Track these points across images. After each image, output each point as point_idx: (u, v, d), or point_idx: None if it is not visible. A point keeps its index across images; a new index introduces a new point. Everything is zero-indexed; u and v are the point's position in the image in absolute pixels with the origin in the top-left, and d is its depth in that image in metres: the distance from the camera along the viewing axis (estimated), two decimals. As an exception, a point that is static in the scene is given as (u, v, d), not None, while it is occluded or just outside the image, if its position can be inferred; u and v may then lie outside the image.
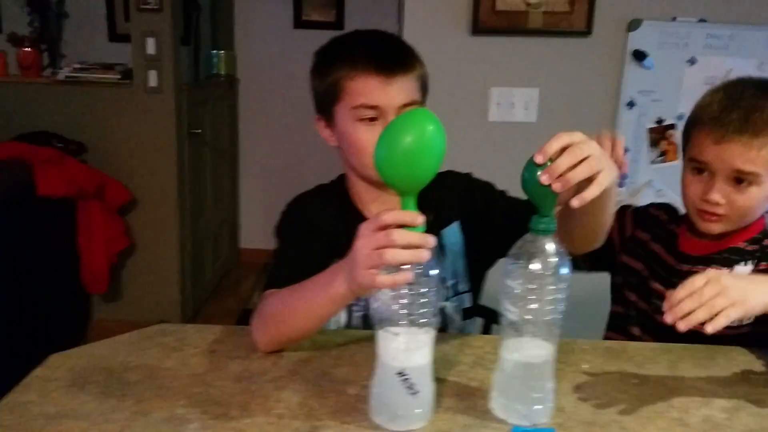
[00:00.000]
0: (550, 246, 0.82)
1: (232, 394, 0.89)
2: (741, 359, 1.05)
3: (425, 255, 0.79)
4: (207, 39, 3.89)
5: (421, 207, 0.84)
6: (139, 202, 3.09)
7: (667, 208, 1.34)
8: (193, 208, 3.30)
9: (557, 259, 0.81)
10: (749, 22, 2.29)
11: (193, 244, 3.33)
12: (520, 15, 2.30)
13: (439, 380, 0.92)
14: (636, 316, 1.25)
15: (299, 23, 4.09)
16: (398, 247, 0.78)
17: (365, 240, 0.82)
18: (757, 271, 1.17)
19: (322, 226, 1.14)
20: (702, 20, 2.29)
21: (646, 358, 1.04)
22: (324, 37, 3.76)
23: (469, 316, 1.24)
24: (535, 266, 0.81)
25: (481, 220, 1.19)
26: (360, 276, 0.82)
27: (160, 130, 3.03)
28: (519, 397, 0.85)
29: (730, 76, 2.37)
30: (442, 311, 1.20)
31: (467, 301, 1.24)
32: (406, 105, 1.08)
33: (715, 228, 1.15)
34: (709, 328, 0.85)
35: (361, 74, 1.07)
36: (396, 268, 0.80)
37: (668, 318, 0.87)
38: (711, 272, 0.90)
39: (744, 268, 1.17)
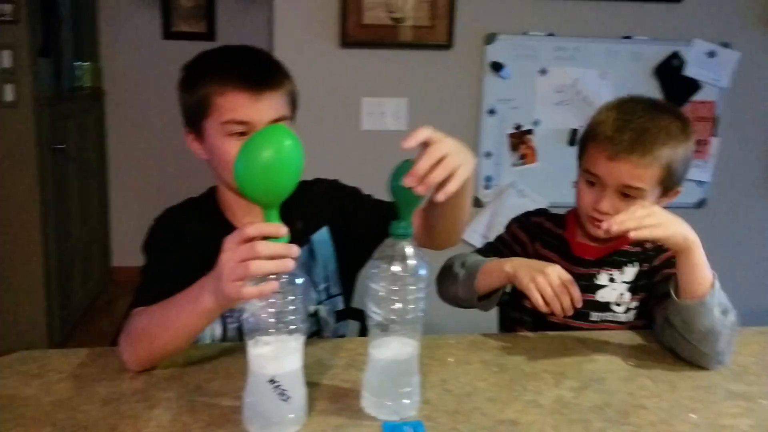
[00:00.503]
0: (409, 249, 0.87)
1: (100, 417, 0.87)
2: (589, 344, 1.16)
3: (290, 264, 0.82)
4: (70, 50, 3.70)
5: (289, 215, 0.87)
6: (-2, 223, 2.89)
7: (545, 214, 1.44)
8: (58, 227, 3.13)
9: (416, 261, 0.87)
10: (593, 35, 2.51)
11: (60, 264, 3.15)
12: (386, 29, 2.38)
13: (313, 384, 0.95)
14: (532, 321, 1.32)
15: (168, 34, 4.00)
16: (263, 258, 0.81)
17: (230, 253, 0.84)
18: (641, 271, 1.29)
19: (192, 239, 1.14)
20: (550, 34, 2.48)
21: (506, 347, 1.12)
22: (195, 48, 3.70)
23: (343, 318, 1.28)
24: (396, 269, 0.86)
25: (349, 223, 1.24)
26: (227, 288, 0.84)
27: (19, 147, 2.85)
28: (388, 393, 0.90)
29: (577, 85, 2.60)
30: (315, 315, 1.23)
31: (340, 303, 1.28)
32: (275, 120, 1.10)
33: (600, 234, 1.24)
34: (633, 234, 1.00)
35: (230, 90, 1.08)
36: (262, 278, 0.82)
37: (604, 225, 1.02)
38: (646, 203, 1.05)
39: (631, 269, 1.30)
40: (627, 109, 1.23)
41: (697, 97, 2.65)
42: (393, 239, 0.88)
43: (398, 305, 0.87)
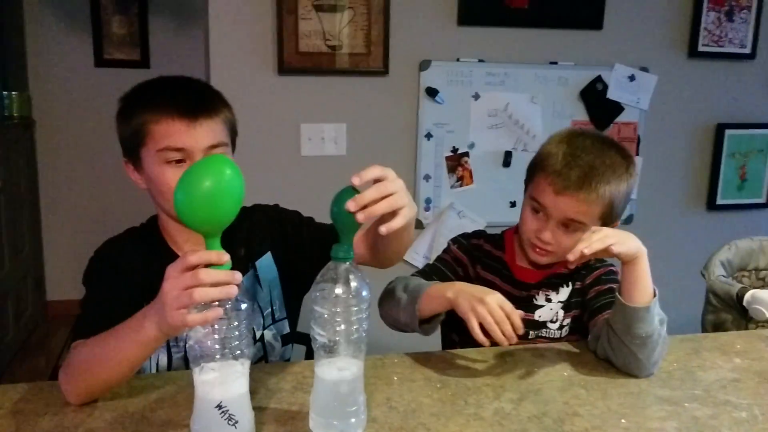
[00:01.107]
0: (351, 272, 0.90)
1: (45, 452, 0.86)
2: (527, 358, 1.21)
3: (233, 291, 0.83)
4: (-6, 79, 3.61)
5: (231, 242, 0.89)
6: None
7: (483, 235, 1.48)
8: (-13, 262, 3.02)
9: (357, 283, 0.90)
10: (521, 61, 2.62)
11: (-11, 302, 3.04)
12: (322, 56, 2.43)
13: (260, 408, 0.97)
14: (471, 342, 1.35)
15: (101, 62, 3.94)
16: (206, 285, 0.82)
17: (173, 281, 0.84)
18: (573, 290, 1.36)
19: (134, 269, 1.14)
20: (481, 60, 2.58)
21: (448, 364, 1.16)
22: (128, 75, 3.70)
23: (288, 342, 1.30)
24: (339, 291, 0.89)
25: (292, 247, 1.26)
26: (170, 317, 0.85)
27: (-56, 180, 2.76)
28: (334, 413, 0.92)
29: (508, 109, 2.70)
30: (261, 339, 1.24)
31: (286, 327, 1.29)
32: (212, 147, 1.11)
33: (543, 260, 1.32)
34: (587, 251, 1.06)
35: (165, 117, 1.10)
36: (206, 306, 0.83)
37: (571, 257, 1.08)
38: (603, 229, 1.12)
39: (566, 289, 1.37)
40: (576, 144, 1.28)
41: (621, 118, 2.80)
42: (335, 262, 0.91)
43: (342, 327, 0.90)
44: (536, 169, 1.32)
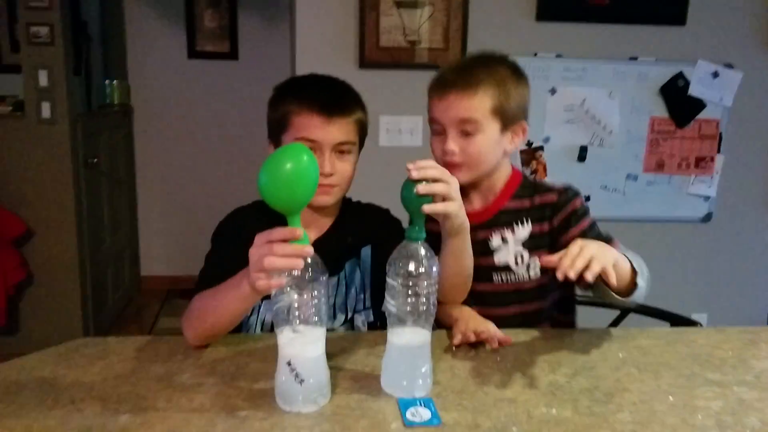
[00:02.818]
0: (422, 250, 1.01)
1: (157, 389, 1.02)
2: (584, 338, 1.28)
3: (297, 263, 0.95)
4: (99, 69, 3.90)
5: (344, 229, 1.02)
6: (36, 233, 3.07)
7: None
8: (91, 237, 3.30)
9: (427, 260, 1.01)
10: (600, 57, 2.64)
11: (93, 273, 3.32)
12: (402, 50, 2.54)
13: (337, 368, 1.09)
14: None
15: (193, 53, 4.18)
16: (277, 256, 0.95)
17: (255, 249, 0.99)
18: (539, 231, 1.36)
19: (252, 237, 1.29)
20: (559, 55, 2.62)
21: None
22: (218, 66, 3.95)
23: (372, 329, 1.42)
24: (410, 267, 1.00)
25: (384, 249, 1.37)
26: (251, 278, 0.99)
27: (56, 161, 3.03)
28: (404, 375, 1.03)
29: (585, 104, 2.73)
30: (351, 321, 1.37)
31: (371, 316, 1.41)
32: (341, 143, 1.26)
33: (460, 176, 1.19)
34: (589, 276, 1.03)
35: (306, 111, 1.25)
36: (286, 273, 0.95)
37: (560, 274, 1.03)
38: (579, 242, 1.08)
39: (524, 228, 1.37)
40: (460, 59, 1.32)
41: (702, 115, 2.77)
42: (407, 241, 1.02)
43: (412, 299, 1.01)
44: (428, 93, 1.33)
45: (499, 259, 1.38)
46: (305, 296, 0.97)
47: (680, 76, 2.71)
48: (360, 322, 1.39)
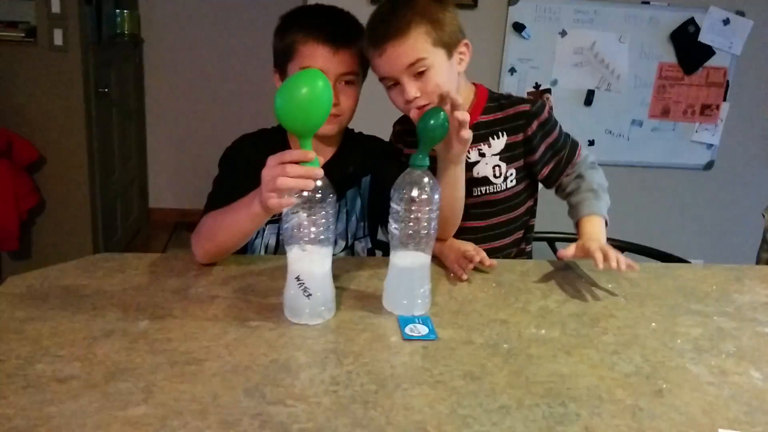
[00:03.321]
0: (425, 178, 1.07)
1: (173, 300, 1.09)
2: (578, 272, 1.34)
3: (309, 184, 1.00)
4: (109, -2, 3.88)
5: (346, 159, 1.07)
6: (48, 160, 3.12)
7: (399, 122, 1.52)
8: (102, 167, 3.35)
9: (429, 187, 1.06)
10: (611, 0, 2.63)
11: (103, 202, 3.39)
12: (414, -13, 2.52)
13: (342, 289, 1.16)
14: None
15: (205, -16, 4.14)
16: (289, 176, 1.00)
17: (268, 170, 1.04)
18: (513, 142, 1.42)
19: (258, 162, 1.33)
20: (571, -3, 2.61)
21: (504, 269, 1.32)
22: None
23: (371, 254, 1.49)
24: (414, 193, 1.06)
25: (381, 178, 1.43)
26: (263, 197, 1.05)
27: (67, 89, 3.05)
28: (404, 294, 1.10)
29: (595, 47, 2.73)
30: (352, 247, 1.43)
31: (369, 242, 1.48)
32: (345, 74, 1.29)
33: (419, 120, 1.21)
34: (623, 266, 1.21)
35: (312, 41, 1.27)
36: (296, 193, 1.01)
37: (602, 265, 1.20)
38: (594, 244, 1.25)
39: (499, 141, 1.42)
40: (376, 11, 1.30)
41: (711, 62, 2.78)
42: (412, 168, 1.07)
43: (413, 223, 1.06)
44: (366, 53, 1.33)
45: (477, 172, 1.43)
46: (314, 216, 1.02)
47: (691, 21, 2.70)
48: (360, 248, 1.45)
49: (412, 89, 1.27)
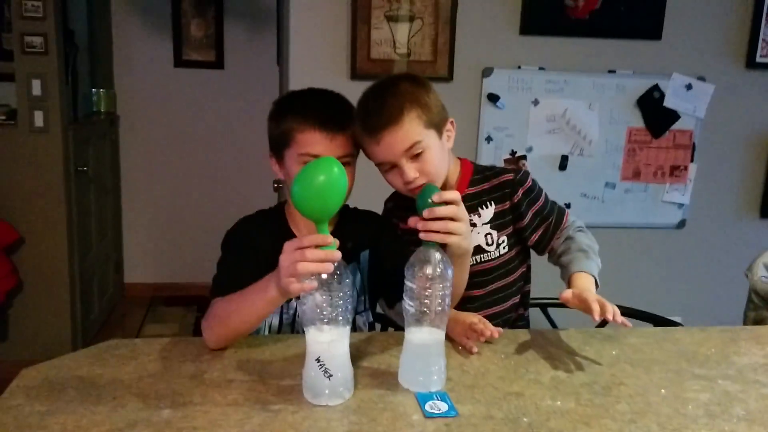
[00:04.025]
0: (437, 255, 1.10)
1: (192, 386, 1.09)
2: (580, 338, 1.38)
3: (329, 267, 1.03)
4: (85, 77, 3.92)
5: (344, 234, 1.11)
6: (27, 241, 3.09)
7: (392, 199, 1.58)
8: (80, 245, 3.33)
9: (442, 265, 1.10)
10: (580, 70, 2.76)
11: (81, 280, 3.34)
12: (392, 63, 2.63)
13: (355, 366, 1.16)
14: None
15: (179, 62, 4.22)
16: (309, 261, 1.03)
17: (286, 255, 1.06)
18: (501, 210, 1.49)
19: (261, 243, 1.35)
20: (541, 68, 2.73)
21: (510, 340, 1.34)
22: (204, 75, 4.02)
23: (371, 329, 1.50)
24: (427, 270, 1.09)
25: (381, 253, 1.46)
26: (282, 282, 1.07)
27: (47, 169, 3.06)
28: (420, 370, 1.12)
29: (566, 115, 2.85)
30: (354, 322, 1.45)
31: (371, 316, 1.50)
32: (341, 156, 1.31)
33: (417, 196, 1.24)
34: (619, 318, 1.23)
35: (309, 128, 1.31)
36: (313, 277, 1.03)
37: (599, 317, 1.22)
38: (590, 295, 1.28)
39: (488, 210, 1.49)
40: (363, 103, 1.36)
41: (677, 126, 2.91)
42: (425, 247, 1.10)
43: (428, 300, 1.09)
44: (360, 143, 1.37)
45: (470, 242, 1.45)
46: (333, 297, 1.04)
47: (656, 88, 2.84)
48: (361, 323, 1.46)
49: (411, 172, 1.32)
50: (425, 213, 1.12)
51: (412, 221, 1.14)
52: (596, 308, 1.22)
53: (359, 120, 1.35)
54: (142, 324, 3.95)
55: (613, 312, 1.23)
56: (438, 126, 1.37)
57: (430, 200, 1.14)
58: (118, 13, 4.08)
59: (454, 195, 1.17)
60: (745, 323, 1.80)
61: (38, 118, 3.02)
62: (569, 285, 1.42)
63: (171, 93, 4.21)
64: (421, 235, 1.11)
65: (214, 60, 4.26)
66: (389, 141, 1.31)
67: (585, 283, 1.40)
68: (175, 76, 4.22)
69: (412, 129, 1.31)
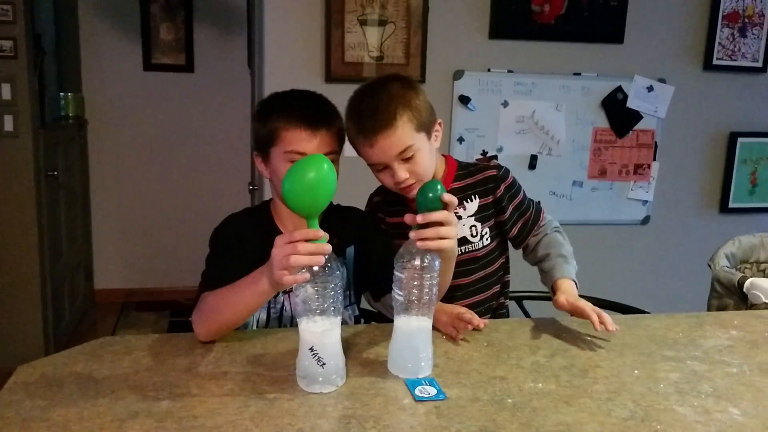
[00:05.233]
0: (425, 247, 1.15)
1: (187, 378, 1.12)
2: (557, 326, 1.44)
3: (320, 260, 1.07)
4: (53, 82, 3.88)
5: (331, 230, 1.13)
6: (-4, 247, 3.05)
7: (378, 193, 1.62)
8: (51, 251, 3.29)
9: (429, 256, 1.15)
10: (547, 72, 2.85)
11: (52, 287, 3.31)
12: (366, 66, 2.68)
13: (346, 356, 1.21)
14: None
15: (149, 66, 4.20)
16: (300, 254, 1.07)
17: (278, 249, 1.10)
18: (484, 203, 1.56)
19: (248, 239, 1.39)
20: (510, 71, 2.81)
21: (491, 329, 1.40)
22: (174, 79, 4.04)
23: (356, 323, 1.55)
24: (416, 262, 1.14)
25: (365, 249, 1.51)
26: (275, 275, 1.10)
27: (17, 174, 3.03)
28: (409, 357, 1.16)
29: (535, 116, 2.93)
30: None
31: (356, 310, 1.54)
32: (327, 153, 1.36)
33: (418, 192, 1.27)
34: (612, 328, 1.33)
35: (294, 127, 1.35)
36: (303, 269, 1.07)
37: (599, 327, 1.33)
38: (582, 303, 1.39)
39: (473, 203, 1.56)
40: (355, 105, 1.41)
41: (639, 126, 3.01)
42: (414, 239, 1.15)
43: (416, 290, 1.14)
44: (354, 144, 1.43)
45: (457, 234, 1.51)
46: (324, 288, 1.08)
47: (619, 89, 2.94)
48: (347, 316, 1.51)
49: (402, 173, 1.38)
50: (419, 218, 1.16)
51: (408, 218, 1.17)
52: (595, 319, 1.33)
53: (352, 122, 1.40)
54: (114, 330, 3.92)
55: (607, 322, 1.33)
56: (428, 128, 1.42)
57: (430, 195, 1.18)
58: (86, 16, 4.04)
59: (454, 199, 1.21)
60: (709, 310, 1.89)
61: (8, 123, 2.99)
62: (554, 290, 1.49)
63: (140, 97, 4.19)
64: (418, 244, 1.15)
65: (184, 63, 4.25)
66: (383, 145, 1.36)
67: (570, 288, 1.48)
68: (145, 79, 4.20)
69: (404, 134, 1.36)
